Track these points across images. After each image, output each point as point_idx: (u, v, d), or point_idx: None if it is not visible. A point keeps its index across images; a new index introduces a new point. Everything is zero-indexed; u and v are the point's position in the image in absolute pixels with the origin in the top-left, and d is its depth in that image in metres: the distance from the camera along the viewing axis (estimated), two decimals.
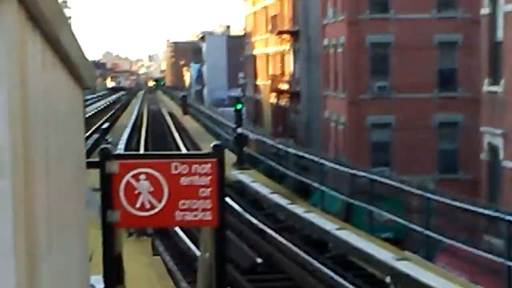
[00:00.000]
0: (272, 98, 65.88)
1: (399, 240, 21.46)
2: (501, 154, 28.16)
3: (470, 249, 17.15)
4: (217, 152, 9.27)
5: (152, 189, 8.88)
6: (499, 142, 28.41)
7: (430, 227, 18.38)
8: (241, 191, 29.62)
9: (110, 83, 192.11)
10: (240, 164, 35.44)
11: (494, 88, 28.81)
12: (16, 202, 3.97)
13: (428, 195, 18.96)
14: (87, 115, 59.41)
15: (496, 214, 16.72)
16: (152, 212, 8.92)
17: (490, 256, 16.27)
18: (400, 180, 22.59)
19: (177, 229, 19.73)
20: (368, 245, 18.22)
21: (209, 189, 8.98)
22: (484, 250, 16.93)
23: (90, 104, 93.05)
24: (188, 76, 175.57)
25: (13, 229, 3.96)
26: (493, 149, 29.12)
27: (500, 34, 28.20)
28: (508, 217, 15.83)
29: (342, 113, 44.55)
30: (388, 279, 16.00)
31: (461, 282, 14.92)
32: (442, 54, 42.60)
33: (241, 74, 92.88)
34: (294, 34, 57.11)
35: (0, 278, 3.93)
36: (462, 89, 41.91)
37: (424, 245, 18.60)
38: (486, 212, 17.53)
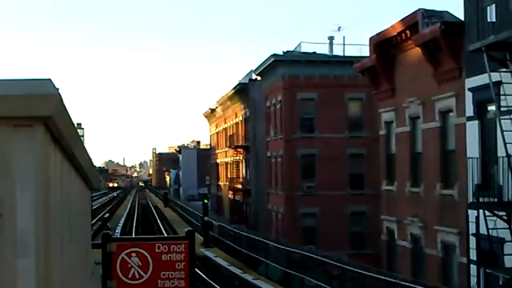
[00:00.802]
0: (230, 194, 65.72)
1: None
2: (396, 235, 28.25)
3: None
4: (189, 235, 9.17)
5: (140, 264, 8.73)
6: (394, 226, 28.54)
7: None
8: (206, 264, 29.19)
9: (110, 184, 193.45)
10: (206, 244, 35.05)
11: (389, 187, 29.11)
12: (38, 278, 3.87)
13: (344, 265, 18.86)
14: (93, 207, 58.54)
15: (393, 279, 16.66)
16: (141, 281, 8.74)
17: None
18: (323, 254, 22.48)
19: None
20: None
21: (183, 263, 8.85)
22: None
23: (96, 199, 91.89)
24: (168, 178, 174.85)
25: None
26: (390, 232, 29.22)
27: (393, 148, 28.70)
28: (402, 282, 15.78)
29: (280, 205, 44.52)
30: None
31: None
32: (353, 163, 43.06)
33: (207, 177, 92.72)
34: (246, 148, 57.50)
35: None
36: (368, 188, 42.22)
37: None
38: (387, 278, 17.45)
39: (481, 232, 20.62)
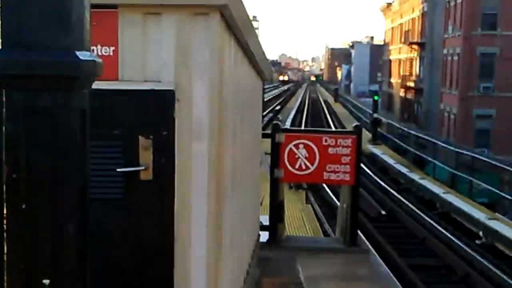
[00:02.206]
0: (401, 92, 64.50)
1: (492, 205, 20.66)
2: None
3: None
4: (357, 130, 9.24)
5: (307, 155, 8.96)
6: None
7: None
8: (373, 160, 29.29)
9: (280, 77, 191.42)
10: (374, 141, 35.01)
11: None
12: (210, 159, 4.12)
13: None
14: (265, 99, 60.03)
15: None
16: (307, 172, 9.00)
17: None
18: (496, 158, 21.70)
19: (324, 185, 19.76)
20: (467, 206, 17.66)
21: (349, 157, 8.97)
22: None
23: (268, 91, 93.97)
24: (339, 74, 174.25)
25: (207, 177, 4.12)
26: None
27: None
28: None
29: (454, 106, 43.09)
30: (481, 233, 15.48)
31: None
32: None
33: (379, 74, 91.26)
34: (421, 45, 55.56)
35: (197, 211, 4.11)
36: None
37: None
38: None
39: None
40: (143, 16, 4.04)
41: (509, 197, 18.16)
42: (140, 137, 4.02)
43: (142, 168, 4.03)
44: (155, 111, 4.02)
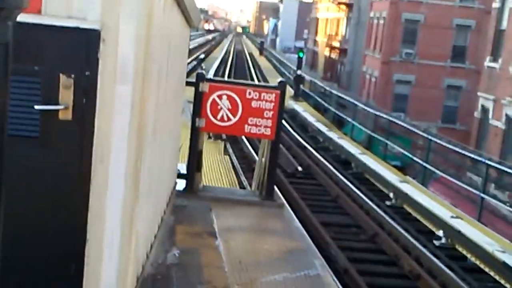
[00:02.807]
0: (326, 51, 65.14)
1: (404, 168, 21.38)
2: (490, 115, 27.63)
3: (456, 181, 17.01)
4: (281, 86, 9.28)
5: (230, 107, 8.96)
6: (490, 105, 27.86)
7: (428, 161, 18.25)
8: (293, 117, 29.62)
9: (206, 25, 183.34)
10: (296, 97, 35.35)
11: (493, 64, 28.11)
12: (133, 102, 4.07)
13: (430, 137, 18.77)
14: (190, 47, 59.30)
15: (479, 158, 16.52)
16: (228, 123, 9.02)
17: (470, 188, 16.13)
18: (411, 123, 22.36)
19: (243, 138, 19.89)
20: (381, 168, 18.19)
21: (271, 112, 9.03)
22: (466, 183, 16.78)
23: (193, 39, 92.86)
24: (266, 28, 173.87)
25: (129, 120, 4.07)
26: (484, 110, 28.58)
27: (504, 24, 27.35)
28: (487, 161, 15.64)
29: (376, 69, 43.92)
30: (391, 195, 16.01)
31: (445, 204, 14.86)
32: (458, 34, 41.42)
33: (305, 31, 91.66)
34: (349, 5, 56.07)
35: (116, 155, 4.06)
36: (469, 62, 40.86)
37: (422, 174, 18.50)
38: (472, 155, 17.32)
39: None
40: None
41: (420, 161, 18.81)
42: (61, 75, 3.91)
43: (62, 107, 3.93)
44: (78, 50, 3.91)
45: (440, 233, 13.02)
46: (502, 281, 10.87)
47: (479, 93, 29.60)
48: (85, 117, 3.95)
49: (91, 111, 3.95)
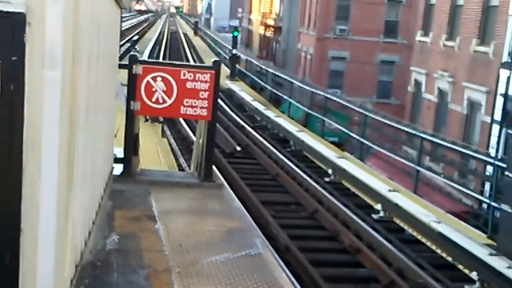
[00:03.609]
0: (261, 30, 65.18)
1: (342, 144, 21.68)
2: (423, 88, 28.24)
3: (392, 155, 17.36)
4: (216, 66, 9.26)
5: (165, 89, 8.90)
6: (422, 79, 28.46)
7: (365, 137, 18.55)
8: (230, 97, 29.61)
9: (137, 6, 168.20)
10: (232, 77, 35.32)
11: (424, 39, 28.68)
12: (64, 88, 3.99)
13: (366, 112, 19.07)
14: (123, 28, 58.32)
15: (414, 131, 16.89)
16: (164, 105, 8.96)
17: (405, 161, 16.49)
18: (347, 100, 22.65)
19: (181, 119, 19.78)
20: (319, 145, 18.39)
21: (207, 93, 9.01)
22: (402, 157, 17.14)
23: (126, 20, 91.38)
24: (200, 7, 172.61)
25: (59, 107, 3.99)
26: (417, 84, 29.19)
27: None
28: (421, 135, 16.00)
29: (310, 46, 44.22)
30: (330, 171, 16.22)
31: (382, 178, 15.16)
32: (389, 9, 42.04)
33: (239, 9, 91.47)
34: None
35: (48, 141, 3.98)
36: (401, 37, 41.56)
37: (359, 149, 18.79)
38: (406, 129, 17.69)
39: (509, 93, 20.54)
40: None
41: (356, 137, 19.10)
42: None
43: None
44: (3, 35, 3.79)
45: (378, 206, 13.29)
46: (439, 251, 11.20)
47: (411, 68, 30.21)
48: (14, 104, 3.85)
49: (20, 97, 3.85)
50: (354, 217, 12.36)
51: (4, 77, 3.82)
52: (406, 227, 12.38)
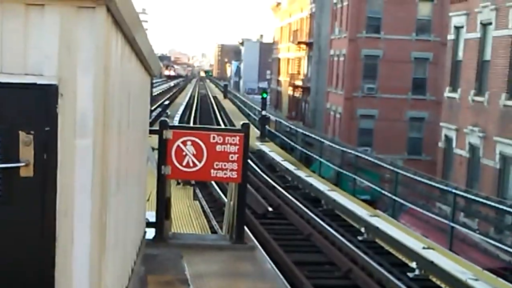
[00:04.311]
0: (290, 91, 65.75)
1: (374, 201, 21.49)
2: (454, 144, 28.02)
3: (425, 212, 17.13)
4: (245, 128, 9.33)
5: (195, 153, 8.97)
6: (453, 134, 28.26)
7: (397, 194, 18.38)
8: (260, 157, 29.69)
9: (166, 72, 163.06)
10: (262, 138, 35.49)
11: (452, 95, 28.62)
12: (95, 155, 4.05)
13: (397, 169, 18.95)
14: (154, 94, 59.24)
15: (446, 187, 16.69)
16: (194, 169, 9.01)
17: (439, 218, 16.25)
18: (377, 157, 22.56)
19: (212, 182, 19.84)
20: (350, 203, 18.25)
21: (237, 155, 9.06)
22: (436, 213, 16.91)
23: (157, 86, 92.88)
24: (229, 70, 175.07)
25: (91, 174, 4.05)
26: (448, 140, 28.97)
27: (460, 54, 27.95)
28: (454, 190, 15.81)
29: (339, 105, 44.40)
30: (363, 230, 16.05)
31: (416, 235, 14.94)
32: (417, 67, 42.20)
33: (268, 71, 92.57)
34: (309, 45, 56.85)
35: (80, 209, 4.03)
36: (429, 94, 41.57)
37: (392, 207, 18.60)
38: (439, 185, 17.50)
39: None
40: (25, 7, 3.91)
41: (389, 194, 18.93)
42: (20, 132, 3.89)
43: (23, 164, 3.91)
44: (36, 106, 3.90)
45: (413, 264, 13.06)
46: None
47: (441, 123, 30.04)
48: (47, 173, 3.93)
49: (53, 166, 3.93)
50: (390, 276, 12.15)
51: (38, 147, 3.91)
52: (442, 285, 12.12)
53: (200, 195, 18.73)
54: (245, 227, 9.81)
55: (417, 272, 12.83)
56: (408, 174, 18.58)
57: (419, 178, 18.16)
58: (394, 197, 18.21)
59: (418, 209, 17.65)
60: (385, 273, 12.31)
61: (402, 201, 18.27)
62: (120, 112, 5.14)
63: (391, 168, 19.56)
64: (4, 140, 3.89)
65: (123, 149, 5.47)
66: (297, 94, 61.73)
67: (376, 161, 21.54)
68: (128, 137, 5.83)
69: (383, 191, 19.58)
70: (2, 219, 3.93)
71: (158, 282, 7.51)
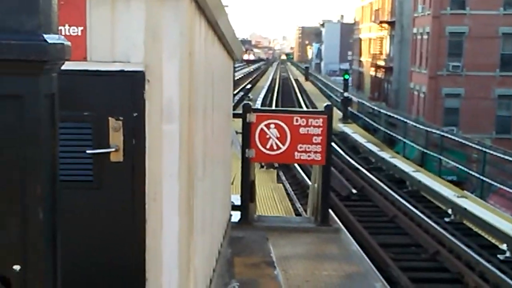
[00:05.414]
0: (372, 71, 64.86)
1: (461, 182, 20.97)
2: None
3: None
4: (328, 110, 9.27)
5: (278, 135, 8.98)
6: None
7: (485, 174, 17.87)
8: (343, 139, 29.47)
9: (245, 56, 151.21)
10: (345, 120, 35.21)
11: None
12: (181, 140, 4.11)
13: (485, 149, 18.41)
14: (236, 78, 59.68)
15: None
16: (278, 152, 9.03)
17: None
18: (464, 137, 21.98)
19: (296, 165, 19.84)
20: (437, 184, 17.88)
21: (320, 137, 9.01)
22: None
23: (239, 69, 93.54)
24: (310, 53, 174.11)
25: (178, 158, 4.11)
26: None
27: None
28: None
29: (423, 84, 43.47)
30: (450, 211, 15.70)
31: (506, 217, 14.49)
32: (505, 42, 40.72)
33: (349, 52, 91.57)
34: (391, 24, 55.82)
35: (168, 193, 4.10)
36: None
37: (480, 187, 18.11)
38: None
39: None
40: None
41: (476, 174, 18.43)
42: (110, 118, 3.98)
43: (113, 149, 4.00)
44: (125, 92, 3.98)
45: (503, 246, 12.68)
46: None
47: None
48: (136, 158, 4.01)
49: (141, 151, 4.01)
50: (479, 258, 11.84)
51: (126, 132, 3.99)
52: None
53: (283, 178, 18.75)
54: (330, 210, 9.77)
55: (508, 254, 12.45)
56: (497, 154, 18.02)
57: (508, 158, 17.58)
58: (482, 177, 17.70)
59: (508, 189, 17.10)
60: (474, 255, 12.00)
61: (490, 181, 17.74)
62: (204, 96, 5.19)
63: (479, 147, 19.01)
64: (95, 126, 3.99)
65: (208, 133, 5.53)
66: (379, 75, 60.83)
67: (462, 140, 20.98)
68: (212, 121, 5.88)
69: (470, 171, 19.07)
70: (95, 203, 4.04)
71: (244, 264, 7.59)
